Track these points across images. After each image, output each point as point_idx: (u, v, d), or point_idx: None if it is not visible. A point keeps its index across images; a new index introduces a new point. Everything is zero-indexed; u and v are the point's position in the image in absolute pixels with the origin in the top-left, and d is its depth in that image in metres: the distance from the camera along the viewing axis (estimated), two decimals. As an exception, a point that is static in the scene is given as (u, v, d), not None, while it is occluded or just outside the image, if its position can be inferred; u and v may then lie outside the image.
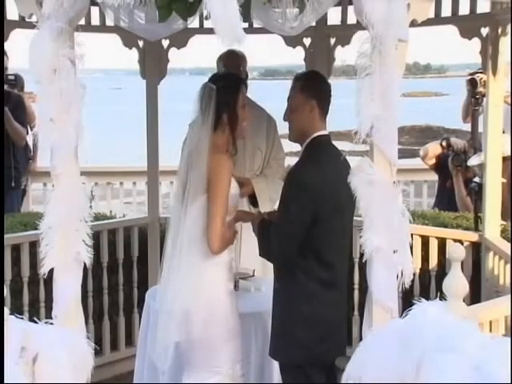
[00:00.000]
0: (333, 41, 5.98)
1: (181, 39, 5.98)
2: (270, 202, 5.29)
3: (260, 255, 4.11)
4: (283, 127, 5.45)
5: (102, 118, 35.20)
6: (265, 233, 4.03)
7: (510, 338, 2.77)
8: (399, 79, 3.24)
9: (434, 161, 7.49)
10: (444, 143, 7.31)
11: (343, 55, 6.11)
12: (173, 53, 6.08)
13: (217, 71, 5.44)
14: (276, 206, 5.20)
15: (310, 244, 3.91)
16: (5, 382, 2.79)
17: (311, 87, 4.03)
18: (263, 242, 4.05)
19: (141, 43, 5.99)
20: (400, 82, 3.25)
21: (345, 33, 5.83)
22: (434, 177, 8.06)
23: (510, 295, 4.04)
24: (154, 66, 6.08)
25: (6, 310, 2.93)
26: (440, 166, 7.41)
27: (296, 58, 6.39)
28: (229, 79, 4.25)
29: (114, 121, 38.74)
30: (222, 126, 4.03)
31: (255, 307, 4.40)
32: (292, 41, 5.95)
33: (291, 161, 6.18)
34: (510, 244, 5.16)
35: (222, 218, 3.94)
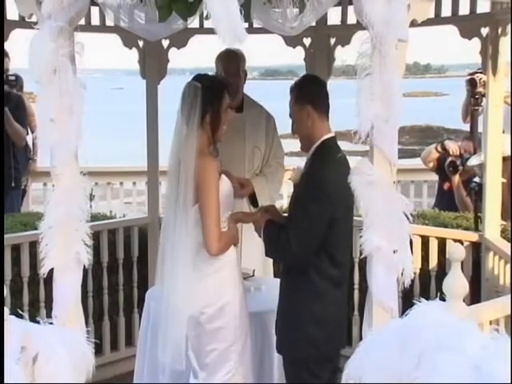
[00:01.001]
0: (333, 41, 5.98)
1: (181, 39, 5.98)
2: (270, 201, 5.30)
3: (267, 255, 4.12)
4: (283, 126, 5.46)
5: (103, 118, 35.21)
6: (274, 233, 4.03)
7: (510, 338, 2.77)
8: (400, 79, 3.24)
9: (432, 164, 7.50)
10: (439, 148, 7.34)
11: (343, 55, 6.11)
12: (173, 53, 6.08)
13: (216, 71, 5.44)
14: (276, 205, 5.23)
15: (324, 244, 3.94)
16: (5, 382, 2.79)
17: (303, 94, 4.04)
18: (273, 243, 4.05)
19: (141, 43, 5.99)
20: (400, 82, 3.25)
21: (345, 33, 5.83)
22: (434, 177, 8.07)
23: (509, 295, 4.04)
24: (154, 65, 6.08)
25: (6, 310, 2.93)
26: (439, 167, 7.42)
27: (296, 58, 6.39)
28: (214, 79, 4.23)
29: (114, 121, 38.73)
30: (204, 127, 3.99)
31: (255, 307, 4.39)
32: (292, 41, 5.95)
33: (291, 161, 6.18)
34: (509, 244, 5.16)
35: (216, 221, 3.92)
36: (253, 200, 5.18)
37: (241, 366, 4.06)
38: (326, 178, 3.91)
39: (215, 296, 4.00)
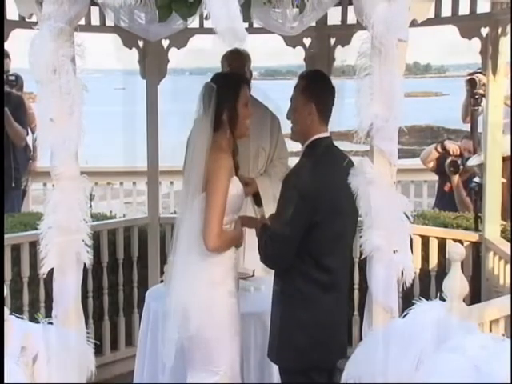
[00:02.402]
0: (333, 41, 5.97)
1: (181, 39, 5.98)
2: (273, 201, 5.31)
3: (261, 261, 4.08)
4: (283, 127, 5.46)
5: (102, 118, 35.15)
6: (264, 238, 3.99)
7: (510, 338, 2.77)
8: (401, 79, 3.24)
9: (432, 164, 7.50)
10: (439, 148, 7.33)
11: (343, 55, 6.11)
12: (173, 53, 6.08)
13: (221, 71, 5.44)
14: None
15: (307, 248, 3.85)
16: (5, 381, 2.79)
17: (311, 89, 3.98)
18: (261, 248, 4.01)
19: (141, 43, 5.99)
20: (400, 82, 3.25)
21: (345, 33, 5.82)
22: (434, 177, 8.07)
23: (510, 295, 4.04)
24: (153, 66, 6.08)
25: (6, 310, 2.93)
26: (439, 168, 7.41)
27: (296, 58, 6.39)
28: (229, 78, 4.25)
29: (114, 121, 38.68)
30: (223, 126, 4.03)
31: (255, 307, 4.40)
32: (292, 41, 5.95)
33: (294, 161, 6.18)
34: (510, 244, 5.16)
35: (219, 216, 3.91)
36: (256, 199, 5.19)
37: (229, 369, 4.03)
38: (303, 179, 3.83)
39: (204, 293, 3.97)
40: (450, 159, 7.11)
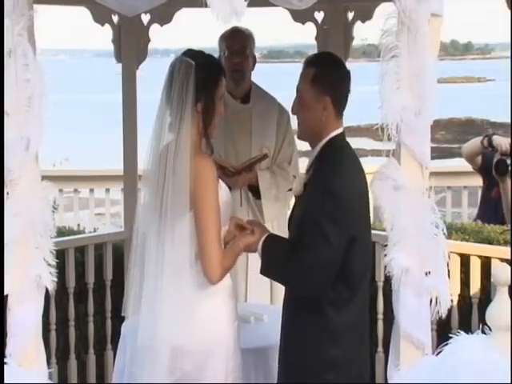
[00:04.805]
0: (351, 15, 5.99)
1: (164, 14, 6.00)
2: (273, 202, 5.51)
3: (262, 273, 4.05)
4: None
5: (68, 110, 35.27)
6: (281, 252, 3.96)
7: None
8: (434, 62, 3.25)
9: (478, 161, 7.43)
10: (485, 142, 7.27)
11: (363, 33, 6.13)
12: (155, 30, 6.11)
13: (219, 53, 5.48)
14: (280, 206, 5.51)
15: (341, 269, 3.84)
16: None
17: (325, 79, 3.94)
18: (279, 265, 3.98)
19: (115, 18, 6.01)
20: (434, 66, 3.26)
21: (365, 5, 5.84)
22: (476, 181, 8.05)
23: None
24: (131, 46, 6.10)
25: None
26: (486, 167, 7.34)
27: (306, 37, 6.41)
28: (210, 57, 4.15)
29: (83, 114, 38.81)
30: (194, 118, 3.93)
31: (256, 342, 4.39)
32: (301, 16, 5.97)
33: (302, 161, 6.22)
34: None
35: (217, 239, 3.87)
36: (254, 191, 5.36)
37: None
38: (340, 188, 3.82)
39: (203, 330, 3.97)
40: (498, 157, 7.07)
